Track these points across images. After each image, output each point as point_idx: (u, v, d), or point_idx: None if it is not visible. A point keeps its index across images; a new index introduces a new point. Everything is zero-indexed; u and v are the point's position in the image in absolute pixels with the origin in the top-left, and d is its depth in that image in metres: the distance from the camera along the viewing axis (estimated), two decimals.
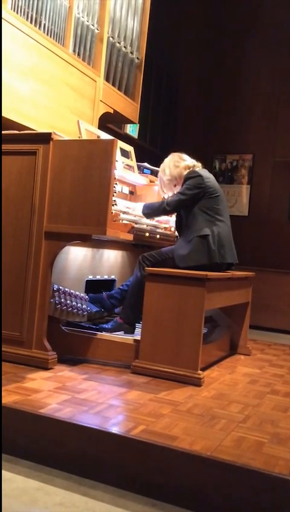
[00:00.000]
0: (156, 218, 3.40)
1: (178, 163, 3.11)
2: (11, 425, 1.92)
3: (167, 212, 3.12)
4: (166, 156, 3.22)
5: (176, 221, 3.16)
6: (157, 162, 4.74)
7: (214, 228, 2.95)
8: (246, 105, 6.56)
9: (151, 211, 3.08)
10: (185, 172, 3.07)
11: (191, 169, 3.09)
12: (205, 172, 3.06)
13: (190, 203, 2.97)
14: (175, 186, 3.14)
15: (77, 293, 2.95)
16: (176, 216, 3.15)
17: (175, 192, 3.12)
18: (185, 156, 3.16)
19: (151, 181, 3.72)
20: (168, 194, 3.19)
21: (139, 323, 2.98)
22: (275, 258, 6.27)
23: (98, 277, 3.36)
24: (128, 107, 4.45)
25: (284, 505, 1.55)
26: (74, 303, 2.89)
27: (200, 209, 2.96)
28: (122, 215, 2.82)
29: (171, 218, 3.45)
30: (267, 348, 4.06)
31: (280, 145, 6.42)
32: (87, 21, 3.80)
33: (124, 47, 4.30)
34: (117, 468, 1.75)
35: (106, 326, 3.02)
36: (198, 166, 3.14)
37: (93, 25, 3.87)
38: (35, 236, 2.63)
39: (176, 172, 3.10)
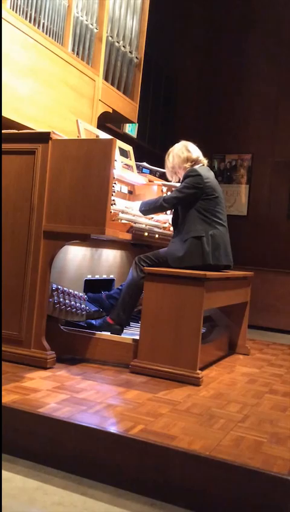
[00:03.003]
0: (155, 218, 3.40)
1: (182, 153, 3.10)
2: (10, 425, 1.91)
3: (164, 209, 3.12)
4: (165, 156, 3.22)
5: (172, 217, 3.16)
6: (156, 161, 4.74)
7: (210, 230, 2.94)
8: (245, 105, 6.56)
9: (148, 208, 3.08)
10: (185, 165, 3.06)
11: (193, 162, 3.07)
12: (205, 172, 3.03)
13: (187, 201, 2.97)
14: (176, 173, 3.18)
15: (75, 292, 2.95)
16: (173, 212, 3.15)
17: (176, 182, 3.18)
18: (191, 148, 3.13)
19: (150, 180, 3.72)
20: (172, 178, 3.24)
21: (138, 322, 2.98)
22: (274, 258, 6.28)
23: (97, 277, 3.35)
24: (127, 106, 4.45)
25: (282, 505, 1.55)
26: (72, 302, 2.89)
27: (197, 210, 2.95)
28: (121, 215, 2.82)
29: (168, 216, 3.46)
30: (266, 348, 4.06)
31: (279, 145, 6.43)
32: (86, 20, 3.80)
33: (123, 46, 4.29)
34: (116, 468, 1.75)
35: (94, 322, 3.00)
36: (202, 162, 3.12)
37: (92, 24, 3.86)
38: (34, 235, 2.63)
39: (176, 162, 3.12)
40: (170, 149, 3.19)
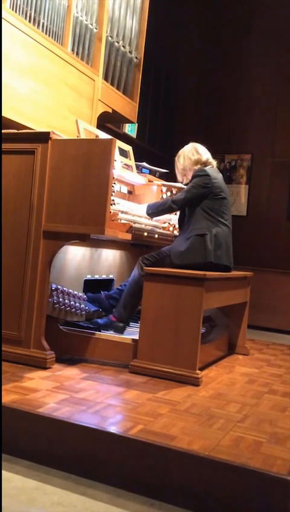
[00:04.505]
0: (156, 218, 3.40)
1: (193, 155, 3.13)
2: (10, 425, 1.91)
3: (173, 210, 3.14)
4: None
5: (179, 217, 3.17)
6: (156, 161, 4.75)
7: (213, 228, 2.96)
8: (245, 105, 6.56)
9: (156, 210, 3.10)
10: (195, 167, 3.09)
11: (203, 164, 3.10)
12: (213, 172, 3.06)
13: (195, 201, 2.99)
14: (185, 175, 3.20)
15: (75, 292, 2.95)
16: (180, 212, 3.16)
17: (184, 184, 3.20)
18: (201, 150, 3.16)
19: (149, 180, 3.72)
20: (182, 180, 3.25)
21: (137, 323, 2.98)
22: (273, 258, 6.28)
23: (97, 276, 3.35)
24: (127, 106, 4.45)
25: (282, 505, 1.55)
26: (72, 302, 2.89)
27: (202, 208, 2.98)
28: (120, 215, 2.82)
29: (174, 216, 3.46)
30: (265, 348, 4.06)
31: (278, 145, 6.43)
32: (86, 20, 3.80)
33: (123, 46, 4.29)
34: (115, 468, 1.75)
35: (100, 321, 3.03)
36: (211, 164, 3.14)
37: (92, 24, 3.86)
38: (34, 235, 2.63)
39: (187, 163, 3.14)
40: (180, 151, 3.22)
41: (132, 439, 1.76)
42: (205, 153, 3.16)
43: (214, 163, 3.19)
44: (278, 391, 2.67)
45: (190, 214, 3.02)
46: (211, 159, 3.17)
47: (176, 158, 3.23)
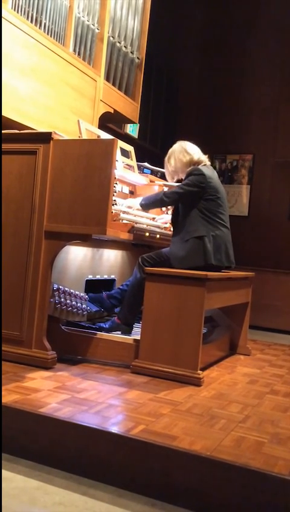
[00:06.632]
0: (158, 219, 3.40)
1: (184, 157, 3.07)
2: (11, 425, 1.92)
3: (164, 204, 3.11)
4: (165, 157, 3.20)
5: (172, 215, 3.14)
6: (158, 161, 4.73)
7: (212, 231, 2.93)
8: (247, 105, 6.56)
9: (148, 202, 3.06)
10: (189, 169, 3.03)
11: (195, 163, 3.05)
12: (209, 172, 3.01)
13: (187, 199, 2.95)
14: (174, 177, 3.17)
15: (76, 292, 2.95)
16: (174, 210, 3.13)
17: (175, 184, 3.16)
18: (190, 149, 3.10)
19: (151, 181, 3.72)
20: (173, 180, 3.21)
21: (139, 323, 2.99)
22: (275, 258, 6.27)
23: (98, 277, 3.36)
24: (129, 106, 4.45)
25: (283, 505, 1.55)
26: (73, 302, 2.89)
27: (199, 210, 2.94)
28: (122, 215, 2.82)
29: (167, 216, 3.45)
30: (267, 348, 4.06)
31: (280, 145, 6.42)
32: (88, 21, 3.80)
33: (125, 47, 4.29)
34: (117, 468, 1.75)
35: (104, 325, 3.02)
36: (203, 162, 3.09)
37: (93, 25, 3.86)
38: (35, 235, 2.63)
39: (179, 166, 3.09)
40: (169, 151, 3.15)
41: (133, 439, 1.77)
42: (195, 152, 3.09)
43: (207, 161, 3.12)
44: (279, 391, 2.67)
45: (185, 214, 2.97)
46: (202, 157, 3.10)
47: (166, 159, 3.16)
